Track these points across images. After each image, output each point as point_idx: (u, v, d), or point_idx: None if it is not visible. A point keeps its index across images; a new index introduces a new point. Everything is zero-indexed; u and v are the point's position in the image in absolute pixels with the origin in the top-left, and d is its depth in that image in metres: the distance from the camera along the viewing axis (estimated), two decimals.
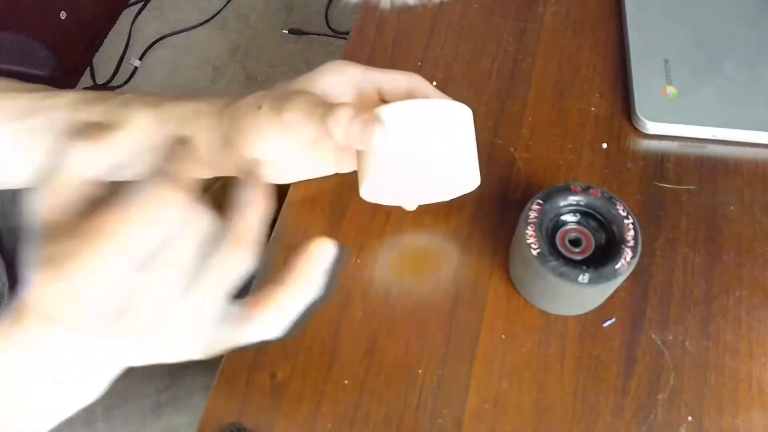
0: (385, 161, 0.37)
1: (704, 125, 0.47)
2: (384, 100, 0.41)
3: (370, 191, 0.39)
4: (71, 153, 0.28)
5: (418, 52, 0.52)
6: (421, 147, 0.36)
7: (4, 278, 0.61)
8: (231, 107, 0.39)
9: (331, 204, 0.44)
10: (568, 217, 0.39)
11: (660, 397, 0.38)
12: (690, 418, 0.37)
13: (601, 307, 0.40)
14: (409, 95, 0.40)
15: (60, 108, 0.41)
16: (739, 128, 0.47)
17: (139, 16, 1.60)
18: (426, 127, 0.36)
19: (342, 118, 0.35)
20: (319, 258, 0.31)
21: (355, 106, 0.36)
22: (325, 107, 0.36)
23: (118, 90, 0.43)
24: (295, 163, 0.42)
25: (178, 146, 0.29)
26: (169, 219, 0.26)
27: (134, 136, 0.29)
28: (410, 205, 0.40)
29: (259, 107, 0.37)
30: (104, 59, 1.53)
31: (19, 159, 0.42)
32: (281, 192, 0.45)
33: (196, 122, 0.39)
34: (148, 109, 0.40)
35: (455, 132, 0.37)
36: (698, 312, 0.41)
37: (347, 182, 0.43)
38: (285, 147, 0.39)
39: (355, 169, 0.44)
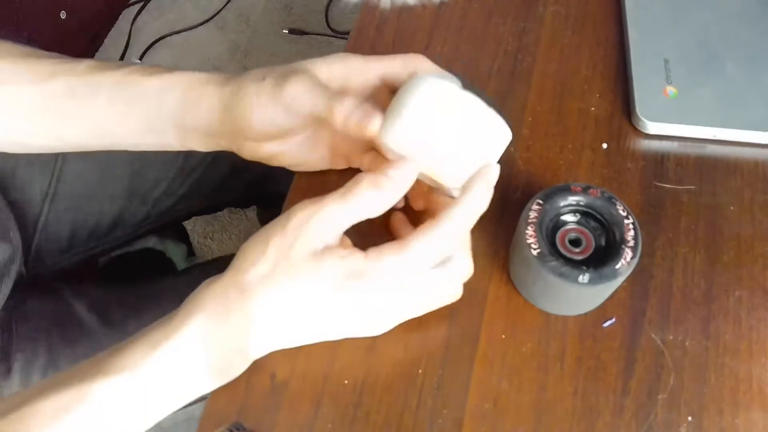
0: (423, 106, 0.34)
1: (704, 125, 0.47)
2: (390, 88, 0.41)
3: (399, 133, 0.35)
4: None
5: (418, 52, 0.52)
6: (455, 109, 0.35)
7: (18, 237, 0.61)
8: (236, 77, 0.41)
9: None
10: (568, 217, 0.39)
11: (660, 397, 0.38)
12: (690, 418, 0.37)
13: (601, 307, 0.40)
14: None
15: (78, 74, 0.42)
16: (739, 128, 0.47)
17: (139, 16, 1.60)
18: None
19: (346, 105, 0.37)
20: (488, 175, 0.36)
21: (359, 98, 0.37)
22: (331, 92, 0.38)
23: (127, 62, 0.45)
24: (288, 146, 0.42)
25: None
26: None
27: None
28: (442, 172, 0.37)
29: (263, 78, 0.39)
30: (104, 59, 1.53)
31: (36, 123, 0.43)
32: (282, 190, 0.45)
33: (201, 88, 0.41)
34: (157, 75, 0.42)
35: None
36: (698, 312, 0.41)
37: (347, 180, 0.43)
38: (280, 122, 0.39)
39: (347, 167, 0.44)
